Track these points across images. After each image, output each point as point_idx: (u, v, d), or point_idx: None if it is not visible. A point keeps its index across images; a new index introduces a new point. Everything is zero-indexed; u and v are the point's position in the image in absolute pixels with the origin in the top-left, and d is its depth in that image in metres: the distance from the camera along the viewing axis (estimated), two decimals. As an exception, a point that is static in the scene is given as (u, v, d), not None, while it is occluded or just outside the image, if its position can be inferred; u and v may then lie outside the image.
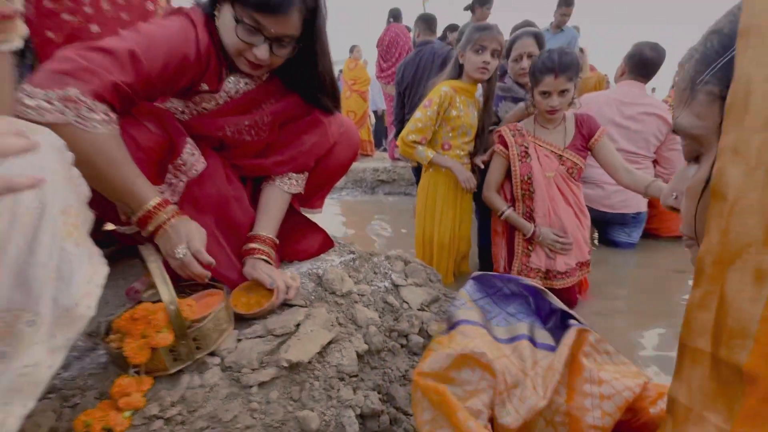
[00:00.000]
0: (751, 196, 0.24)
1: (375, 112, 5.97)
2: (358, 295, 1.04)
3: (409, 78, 2.58)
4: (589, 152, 1.51)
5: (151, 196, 0.76)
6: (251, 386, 0.71)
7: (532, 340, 0.65)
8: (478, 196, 1.70)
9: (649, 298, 1.73)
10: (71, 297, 0.41)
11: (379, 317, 1.00)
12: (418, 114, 1.58)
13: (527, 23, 2.09)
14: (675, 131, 0.34)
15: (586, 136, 1.48)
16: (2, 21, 0.45)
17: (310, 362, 0.78)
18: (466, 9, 3.54)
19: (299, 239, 1.13)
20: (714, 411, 0.26)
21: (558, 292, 1.57)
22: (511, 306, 0.76)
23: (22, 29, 0.49)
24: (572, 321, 0.67)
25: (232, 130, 0.94)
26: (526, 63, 1.67)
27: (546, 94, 1.39)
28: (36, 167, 0.43)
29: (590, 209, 2.04)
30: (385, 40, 3.88)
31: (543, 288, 0.73)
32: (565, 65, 1.33)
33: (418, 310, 1.07)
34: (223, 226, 0.96)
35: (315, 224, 1.16)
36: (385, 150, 5.44)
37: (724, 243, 0.26)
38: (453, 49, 2.50)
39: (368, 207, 3.53)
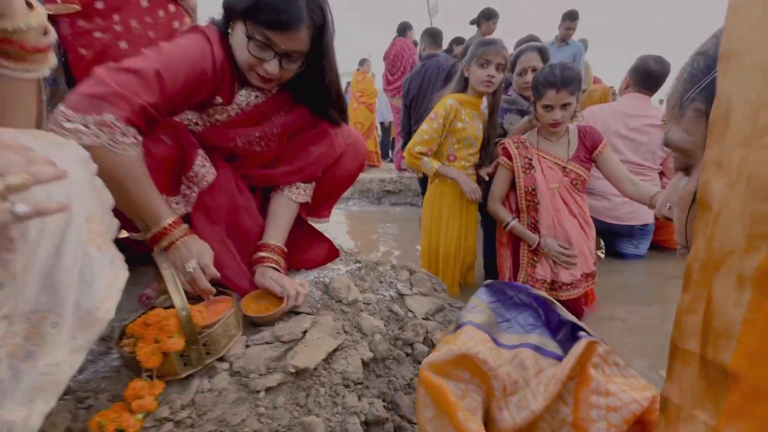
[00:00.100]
0: (733, 207, 0.26)
1: (382, 124, 6.04)
2: (364, 303, 1.05)
3: (415, 90, 2.63)
4: (593, 164, 1.53)
5: (167, 214, 0.82)
6: (259, 391, 0.72)
7: (538, 349, 0.66)
8: (483, 207, 1.72)
9: (657, 310, 1.71)
10: (93, 300, 0.44)
11: (385, 326, 1.01)
12: (424, 126, 1.61)
13: (531, 38, 2.13)
14: (666, 145, 0.36)
15: (589, 148, 1.50)
16: (37, 53, 0.49)
17: (316, 369, 0.80)
18: (472, 23, 3.61)
19: (306, 249, 1.15)
20: (703, 409, 0.27)
21: (564, 304, 1.55)
22: (521, 315, 0.77)
23: (52, 61, 0.53)
24: (582, 333, 0.68)
25: (243, 140, 0.98)
26: (530, 77, 1.70)
27: (548, 107, 1.41)
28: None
29: (597, 221, 2.05)
30: (390, 53, 3.96)
31: (553, 300, 0.74)
32: (566, 79, 1.35)
33: (423, 319, 1.08)
34: (234, 234, 0.99)
35: (321, 234, 1.18)
36: (391, 161, 5.49)
37: (709, 250, 0.27)
38: (457, 62, 2.55)
39: (375, 217, 3.55)
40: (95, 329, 0.45)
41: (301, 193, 1.07)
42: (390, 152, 5.97)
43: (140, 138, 0.76)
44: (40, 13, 0.49)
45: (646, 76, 2.09)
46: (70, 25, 1.15)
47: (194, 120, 0.95)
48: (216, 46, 0.86)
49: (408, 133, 2.78)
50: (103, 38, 1.16)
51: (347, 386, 0.82)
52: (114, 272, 0.47)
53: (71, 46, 1.18)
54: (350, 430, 0.74)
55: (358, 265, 1.23)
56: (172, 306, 0.71)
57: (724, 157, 0.26)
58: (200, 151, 0.93)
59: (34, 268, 0.41)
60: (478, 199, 1.65)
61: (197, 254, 0.82)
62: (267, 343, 0.83)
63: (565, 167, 1.50)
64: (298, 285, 0.94)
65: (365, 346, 0.91)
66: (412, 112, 2.69)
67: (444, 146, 1.66)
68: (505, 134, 1.84)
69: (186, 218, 0.92)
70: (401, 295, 1.15)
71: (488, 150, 1.70)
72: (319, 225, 1.22)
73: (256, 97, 0.96)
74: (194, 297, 0.88)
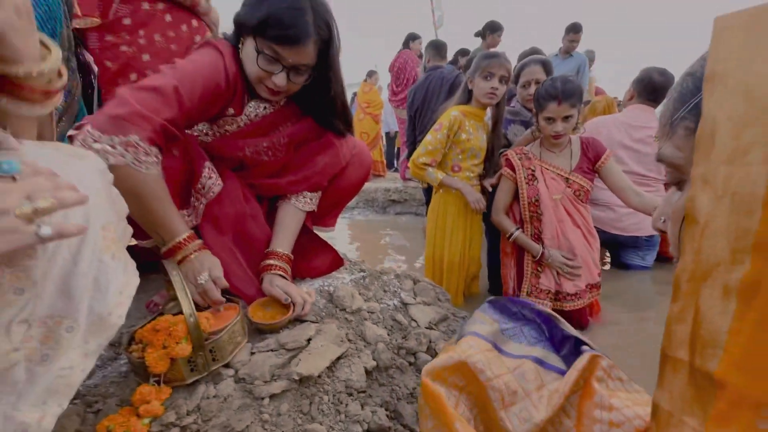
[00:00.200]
0: (719, 222, 0.27)
1: (387, 134, 6.10)
2: (368, 312, 1.06)
3: (419, 101, 2.67)
4: (596, 175, 1.54)
5: (182, 230, 0.85)
6: (263, 398, 0.73)
7: (541, 363, 0.66)
8: (488, 217, 1.73)
9: (663, 322, 1.70)
10: (106, 306, 0.45)
11: (388, 335, 1.02)
12: (428, 137, 1.63)
13: (534, 50, 2.16)
14: (659, 160, 0.37)
15: (592, 159, 1.51)
16: (47, 97, 0.50)
17: (319, 376, 0.80)
18: (476, 35, 3.66)
19: (311, 257, 1.17)
20: (692, 415, 0.28)
21: (568, 314, 1.56)
22: (526, 328, 0.78)
23: (59, 101, 0.55)
24: (585, 347, 0.68)
25: (251, 150, 1.00)
26: (533, 89, 1.72)
27: (550, 120, 1.43)
28: (82, 187, 0.49)
29: (603, 232, 2.04)
30: (395, 65, 4.02)
31: (556, 315, 0.75)
32: (568, 92, 1.37)
33: (426, 328, 1.09)
34: (241, 242, 1.01)
35: (326, 243, 1.20)
36: (396, 170, 5.53)
37: (697, 262, 0.28)
38: (461, 74, 2.59)
39: (380, 226, 3.57)
40: (107, 334, 0.46)
41: (307, 201, 1.09)
42: (395, 162, 6.01)
43: (161, 157, 0.80)
44: (55, 57, 0.49)
45: (650, 88, 2.10)
46: (98, 40, 1.24)
47: (204, 131, 0.98)
48: (228, 59, 0.89)
49: (413, 144, 2.81)
50: (128, 51, 1.25)
51: (350, 394, 0.83)
52: (126, 279, 0.49)
53: (98, 60, 1.27)
54: (353, 439, 0.75)
55: (362, 274, 1.24)
56: (179, 313, 0.73)
57: (710, 173, 0.28)
58: (207, 163, 0.95)
59: (51, 275, 0.43)
60: (482, 209, 1.66)
61: (209, 267, 0.85)
62: (272, 350, 0.84)
63: (568, 178, 1.51)
64: (305, 293, 0.95)
65: (368, 355, 0.92)
66: (417, 122, 2.72)
67: (448, 157, 1.68)
68: (509, 145, 1.86)
69: (195, 229, 0.95)
70: (405, 304, 1.16)
71: (492, 161, 1.71)
72: (324, 234, 1.24)
73: (265, 108, 0.99)
74: (201, 305, 0.90)
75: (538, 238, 1.55)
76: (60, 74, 0.52)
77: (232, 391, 0.74)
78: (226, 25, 1.08)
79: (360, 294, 1.13)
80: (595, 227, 1.61)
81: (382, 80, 5.48)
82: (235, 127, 0.98)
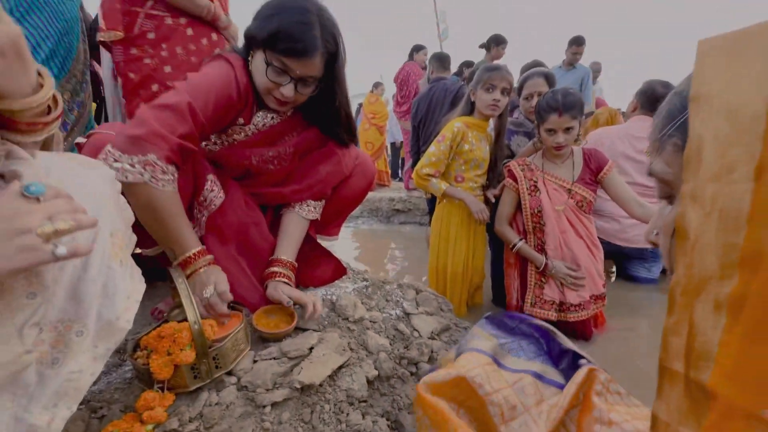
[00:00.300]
0: (708, 237, 0.28)
1: (393, 144, 6.15)
2: (370, 321, 1.07)
3: (423, 112, 2.70)
4: (599, 186, 1.54)
5: (194, 245, 0.88)
6: (265, 406, 0.74)
7: (540, 378, 0.66)
8: (491, 227, 1.73)
9: (669, 336, 1.68)
10: (114, 311, 0.47)
11: (390, 344, 1.02)
12: (432, 148, 1.65)
13: (537, 63, 2.18)
14: (650, 175, 0.38)
15: (594, 170, 1.52)
16: (38, 128, 0.52)
17: (321, 385, 0.81)
18: (481, 47, 3.71)
19: (314, 266, 1.18)
20: (687, 426, 0.29)
21: (572, 326, 1.55)
22: (524, 342, 0.78)
23: (55, 127, 0.56)
24: (583, 361, 0.68)
25: (257, 159, 1.03)
26: (536, 101, 1.74)
27: (551, 131, 1.45)
28: (92, 196, 0.50)
29: (608, 243, 2.03)
30: (399, 77, 4.08)
31: (554, 329, 0.75)
32: (568, 104, 1.39)
33: (429, 338, 1.09)
34: (245, 251, 1.03)
35: (328, 252, 1.21)
36: (401, 180, 5.55)
37: (689, 276, 0.29)
38: (464, 86, 2.62)
39: (383, 236, 3.58)
40: (115, 339, 0.48)
41: (311, 210, 1.11)
42: (400, 172, 6.04)
43: (176, 175, 0.84)
44: (46, 91, 0.50)
45: (653, 100, 2.11)
46: (122, 53, 1.33)
47: (213, 140, 1.01)
48: (239, 71, 0.92)
49: (417, 154, 2.83)
50: (150, 63, 1.32)
51: (352, 404, 0.83)
52: (133, 285, 0.50)
53: (122, 72, 1.35)
54: (353, 448, 0.75)
55: (365, 283, 1.25)
56: (184, 320, 0.74)
57: (698, 190, 0.29)
58: (210, 176, 0.98)
59: (62, 280, 0.44)
60: (485, 220, 1.67)
61: (215, 281, 0.86)
62: (274, 358, 0.84)
63: (570, 189, 1.51)
64: (312, 296, 0.97)
65: (370, 364, 0.92)
66: (421, 133, 2.75)
67: (452, 167, 1.70)
68: (512, 156, 1.88)
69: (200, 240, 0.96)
70: (407, 314, 1.17)
71: (495, 171, 1.72)
72: (328, 243, 1.25)
73: (272, 118, 1.02)
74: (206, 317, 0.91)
75: (541, 249, 1.55)
76: (56, 101, 0.53)
77: (234, 398, 0.75)
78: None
79: (362, 303, 1.14)
80: (600, 239, 1.61)
81: (388, 92, 5.55)
82: (243, 136, 1.00)
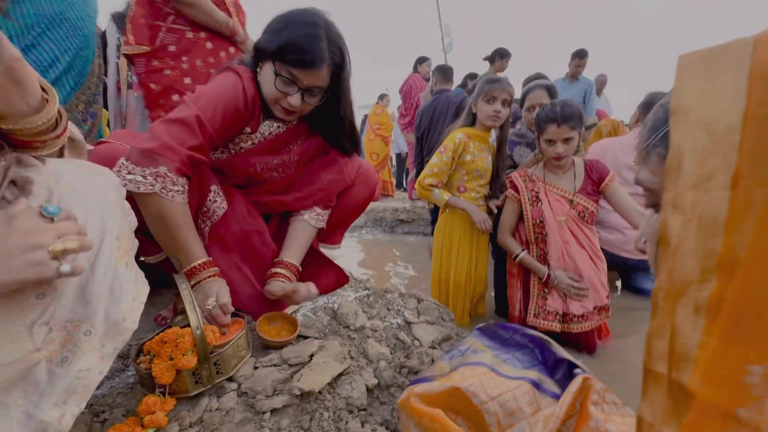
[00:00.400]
0: (688, 243, 0.29)
1: (398, 155, 6.20)
2: (371, 330, 1.07)
3: (426, 123, 2.73)
4: (601, 196, 1.55)
5: (200, 256, 0.90)
6: (264, 412, 0.74)
7: (538, 387, 0.66)
8: (494, 237, 1.74)
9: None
10: (120, 312, 0.48)
11: (391, 353, 1.02)
12: (434, 159, 1.67)
13: (539, 75, 2.21)
14: (637, 183, 0.39)
15: (596, 181, 1.53)
16: (42, 144, 0.54)
17: (320, 392, 0.81)
18: (485, 60, 3.76)
19: (318, 275, 1.20)
20: (670, 426, 0.29)
21: (576, 338, 1.54)
22: (518, 353, 0.78)
23: (61, 142, 0.58)
24: (578, 370, 0.68)
25: (261, 167, 1.05)
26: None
27: (551, 142, 1.47)
28: (100, 201, 0.53)
29: (613, 255, 2.02)
30: (403, 89, 4.14)
31: (548, 339, 0.75)
32: (566, 115, 1.41)
33: (429, 347, 1.09)
34: (247, 259, 1.04)
35: (331, 261, 1.23)
36: (405, 190, 5.58)
37: (671, 281, 0.30)
38: (467, 97, 2.65)
39: (387, 246, 3.58)
40: (121, 338, 0.49)
41: (318, 218, 1.12)
42: (404, 182, 6.07)
43: (186, 187, 0.87)
44: (48, 111, 0.52)
45: (656, 112, 2.12)
46: (145, 65, 1.42)
47: (220, 148, 1.03)
48: (247, 82, 0.96)
49: (420, 164, 2.86)
50: (171, 74, 1.40)
51: (351, 412, 0.83)
52: (138, 287, 0.52)
53: (144, 82, 1.44)
54: (352, 457, 0.75)
55: (366, 292, 1.26)
56: (187, 326, 0.75)
57: (679, 198, 0.30)
58: (214, 187, 1.00)
59: (71, 281, 0.46)
60: (488, 229, 1.67)
61: (217, 293, 0.88)
62: (275, 365, 0.85)
63: (572, 200, 1.52)
64: (308, 284, 0.99)
65: (370, 373, 0.92)
66: (424, 144, 2.79)
67: (454, 178, 1.71)
68: (515, 166, 1.89)
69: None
70: (408, 323, 1.17)
71: (498, 182, 1.74)
72: (332, 252, 1.26)
73: (278, 127, 1.05)
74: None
75: (543, 259, 1.55)
76: (60, 115, 0.55)
77: (234, 404, 0.75)
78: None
79: (364, 312, 1.14)
80: (605, 250, 1.60)
81: (394, 104, 5.62)
82: (250, 144, 1.03)
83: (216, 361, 0.77)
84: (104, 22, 1.57)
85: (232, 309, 0.88)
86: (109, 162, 0.79)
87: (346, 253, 3.21)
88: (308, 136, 1.10)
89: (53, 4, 1.07)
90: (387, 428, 0.86)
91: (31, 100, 0.50)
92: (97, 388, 0.80)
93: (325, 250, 1.23)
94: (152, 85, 1.41)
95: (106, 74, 1.64)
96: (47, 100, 0.53)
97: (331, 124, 1.07)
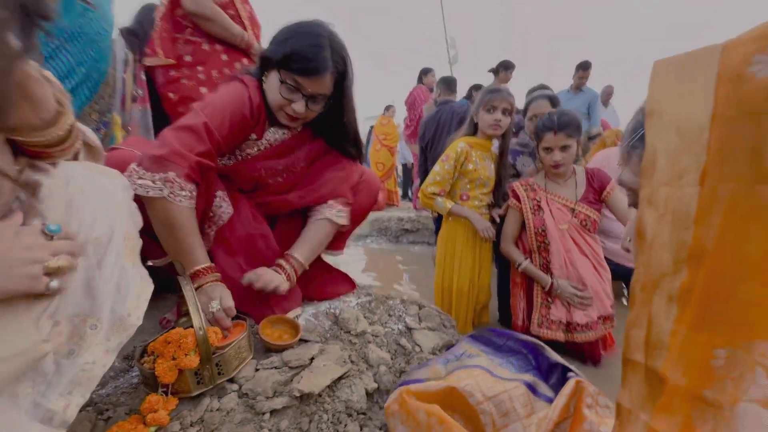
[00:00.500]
0: (663, 237, 0.30)
1: (404, 165, 6.24)
2: (372, 335, 1.08)
3: (431, 134, 2.77)
4: (603, 205, 1.55)
5: (203, 260, 0.93)
6: (264, 413, 0.75)
7: (533, 390, 0.66)
8: (497, 246, 1.74)
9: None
10: (126, 308, 0.51)
11: (391, 358, 1.03)
12: (436, 168, 1.69)
13: (542, 86, 2.24)
14: (620, 184, 0.40)
15: (597, 189, 1.53)
16: (52, 155, 0.56)
17: (320, 395, 0.82)
18: (490, 71, 3.82)
19: (326, 283, 1.22)
20: (644, 410, 0.30)
21: (581, 348, 1.52)
22: (513, 358, 0.78)
23: (72, 152, 0.60)
24: (571, 374, 0.69)
25: (267, 172, 1.09)
26: None
27: (548, 150, 1.50)
28: (109, 201, 0.55)
29: (617, 265, 2.00)
30: (408, 101, 4.20)
31: (542, 344, 0.76)
32: (563, 123, 1.44)
33: (430, 353, 1.09)
34: (252, 263, 1.06)
35: (342, 272, 1.25)
36: (410, 200, 5.61)
37: (647, 274, 0.31)
38: (471, 108, 2.69)
39: (392, 255, 3.59)
40: (126, 333, 0.51)
41: (338, 214, 1.13)
42: (410, 192, 6.10)
43: (194, 193, 0.90)
44: (62, 125, 0.54)
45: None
46: (163, 75, 1.49)
47: (227, 155, 1.07)
48: (253, 90, 1.00)
49: (424, 173, 2.88)
50: (188, 84, 1.47)
51: (350, 415, 0.83)
52: (143, 285, 0.54)
53: (163, 92, 1.51)
54: (350, 459, 0.75)
55: (368, 298, 1.27)
56: (191, 326, 0.77)
57: (653, 195, 0.31)
58: (220, 192, 1.03)
59: (77, 277, 0.48)
60: (491, 237, 1.68)
61: (220, 296, 0.90)
62: (275, 367, 0.86)
63: (573, 208, 1.53)
64: (276, 280, 0.98)
65: (370, 377, 0.93)
66: (429, 154, 2.81)
67: (457, 186, 1.73)
68: (518, 175, 1.90)
69: (207, 253, 1.00)
70: (409, 329, 1.17)
71: (500, 190, 1.75)
72: (335, 259, 1.28)
73: (283, 133, 1.08)
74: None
75: (546, 268, 1.55)
76: (71, 129, 0.57)
77: (234, 405, 0.76)
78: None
79: (365, 317, 1.15)
80: (609, 260, 1.60)
81: (400, 115, 5.69)
82: (256, 150, 1.06)
83: (218, 362, 0.78)
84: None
85: (235, 312, 0.90)
86: (121, 167, 0.82)
87: (351, 261, 3.22)
88: (312, 142, 1.13)
89: (73, 18, 1.13)
90: (386, 432, 0.87)
91: (44, 114, 0.52)
92: (102, 388, 0.82)
93: (326, 257, 1.25)
94: (170, 94, 1.48)
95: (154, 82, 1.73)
96: (62, 113, 0.55)
97: (334, 130, 1.11)
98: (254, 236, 1.06)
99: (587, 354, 1.53)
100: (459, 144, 1.65)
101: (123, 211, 0.56)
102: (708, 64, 0.30)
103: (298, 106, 0.98)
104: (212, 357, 0.77)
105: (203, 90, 1.47)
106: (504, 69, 3.69)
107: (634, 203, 0.40)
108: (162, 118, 1.58)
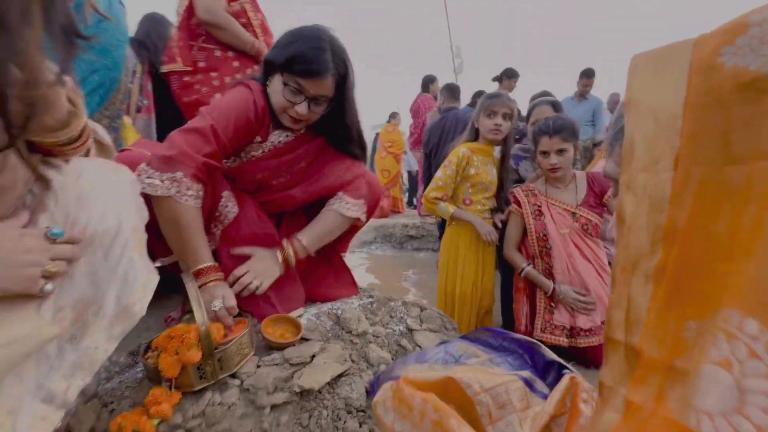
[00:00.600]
0: (641, 220, 0.31)
1: (410, 173, 6.28)
2: (373, 336, 1.09)
3: (435, 140, 2.80)
4: (605, 209, 1.56)
5: (207, 259, 0.95)
6: (265, 408, 0.76)
7: (530, 385, 0.67)
8: (501, 251, 1.75)
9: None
10: (131, 297, 0.53)
11: (392, 358, 1.03)
12: (439, 173, 1.71)
13: (545, 93, 2.26)
14: (605, 176, 0.42)
15: (598, 193, 1.54)
16: (66, 153, 0.59)
17: (320, 391, 0.83)
18: (494, 80, 3.85)
19: (332, 285, 1.24)
20: (624, 385, 0.31)
21: (584, 352, 1.51)
22: (509, 357, 0.79)
23: (84, 150, 0.63)
24: (566, 371, 0.69)
25: (271, 173, 1.11)
26: None
27: (545, 153, 1.52)
28: (118, 195, 0.58)
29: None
30: (413, 108, 4.25)
31: (537, 342, 0.76)
32: (558, 127, 1.46)
33: (430, 354, 1.09)
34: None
35: (350, 275, 1.27)
36: (415, 207, 5.62)
37: (626, 256, 0.32)
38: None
39: (396, 261, 3.60)
40: (130, 322, 0.53)
41: (348, 207, 1.14)
42: (415, 199, 6.12)
43: (201, 193, 0.93)
44: (76, 127, 0.55)
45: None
46: (178, 80, 1.55)
47: (232, 157, 1.10)
48: (257, 94, 1.03)
49: (428, 180, 2.90)
50: (201, 89, 1.53)
51: (350, 412, 0.84)
52: (149, 276, 0.56)
53: (177, 96, 1.57)
54: (349, 455, 0.76)
55: (370, 299, 1.28)
56: (194, 322, 0.79)
57: (631, 180, 0.33)
58: (226, 192, 1.06)
59: (80, 266, 0.51)
60: (494, 241, 1.69)
61: (223, 295, 0.92)
62: (276, 364, 0.88)
63: (574, 213, 1.53)
64: (259, 276, 1.02)
65: (370, 376, 0.93)
66: (433, 160, 2.84)
67: (459, 191, 1.75)
68: (520, 181, 1.92)
69: (213, 252, 1.03)
70: (410, 330, 1.18)
71: (502, 195, 1.76)
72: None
73: (287, 136, 1.11)
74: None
75: (549, 273, 1.55)
76: (83, 131, 0.59)
77: (236, 399, 0.78)
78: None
79: (366, 318, 1.16)
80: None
81: (405, 123, 5.74)
82: (260, 152, 1.09)
83: (220, 357, 0.80)
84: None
85: (237, 311, 0.92)
86: (130, 167, 0.85)
87: (355, 267, 3.23)
88: (314, 142, 1.16)
89: (88, 29, 1.18)
90: (385, 431, 0.87)
91: (59, 116, 0.55)
92: (108, 382, 0.84)
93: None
94: (185, 99, 1.54)
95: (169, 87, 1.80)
96: (75, 114, 0.58)
97: (337, 132, 1.13)
98: (259, 235, 1.08)
99: (590, 358, 1.52)
100: (460, 149, 1.68)
101: (131, 205, 0.59)
102: (682, 56, 0.31)
103: (301, 108, 1.01)
104: (214, 352, 0.78)
105: (217, 95, 1.53)
106: (507, 77, 3.73)
107: (616, 193, 0.41)
108: (171, 124, 1.64)
